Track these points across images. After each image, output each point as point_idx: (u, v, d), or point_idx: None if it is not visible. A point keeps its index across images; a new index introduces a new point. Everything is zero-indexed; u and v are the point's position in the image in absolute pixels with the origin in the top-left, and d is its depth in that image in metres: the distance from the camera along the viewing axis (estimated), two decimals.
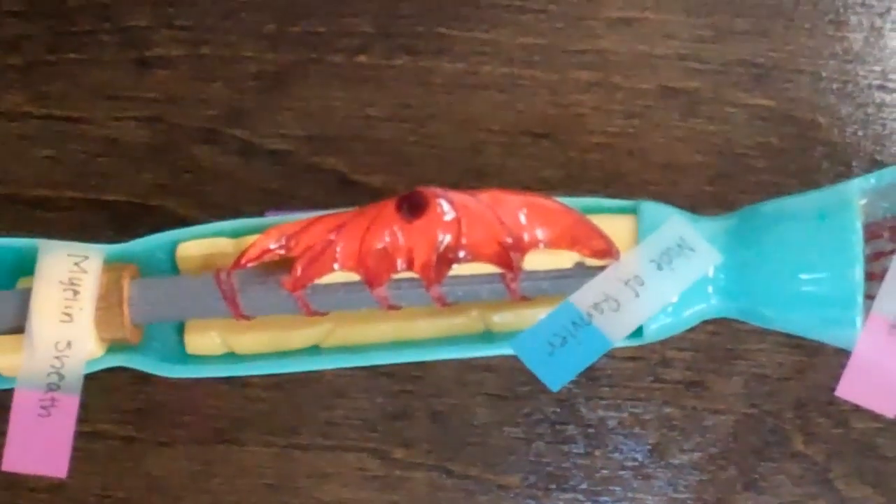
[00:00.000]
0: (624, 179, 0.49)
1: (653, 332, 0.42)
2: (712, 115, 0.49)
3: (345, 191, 0.49)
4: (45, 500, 0.48)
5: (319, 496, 0.48)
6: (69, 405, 0.41)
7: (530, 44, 0.50)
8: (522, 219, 0.41)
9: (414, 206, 0.41)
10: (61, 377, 0.41)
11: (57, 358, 0.41)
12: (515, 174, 0.49)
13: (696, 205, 0.44)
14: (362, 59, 0.50)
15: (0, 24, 0.50)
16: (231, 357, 0.44)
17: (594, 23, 0.50)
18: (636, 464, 0.47)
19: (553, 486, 0.47)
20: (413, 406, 0.48)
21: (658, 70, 0.49)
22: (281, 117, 0.50)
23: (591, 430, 0.47)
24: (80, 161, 0.50)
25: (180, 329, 0.44)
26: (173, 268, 0.44)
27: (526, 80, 0.50)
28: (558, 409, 0.48)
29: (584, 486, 0.47)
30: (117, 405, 0.48)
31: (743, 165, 0.49)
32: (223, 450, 0.48)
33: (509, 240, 0.41)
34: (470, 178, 0.48)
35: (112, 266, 0.43)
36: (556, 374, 0.39)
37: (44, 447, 0.41)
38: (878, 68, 0.49)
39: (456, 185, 0.41)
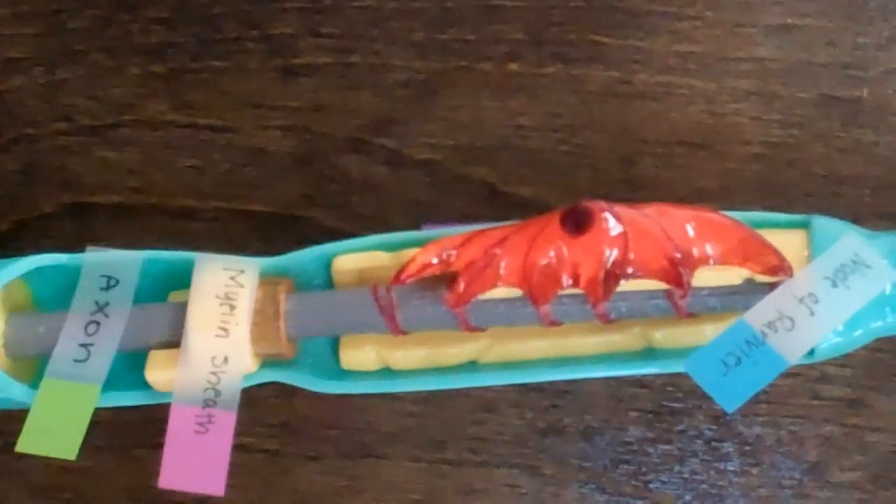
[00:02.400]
0: (783, 191, 0.49)
1: (824, 351, 0.42)
2: (875, 124, 0.49)
3: (494, 202, 0.50)
4: None
5: None
6: (226, 421, 0.42)
7: (686, 52, 0.50)
8: (691, 233, 0.41)
9: (579, 221, 0.41)
10: (218, 393, 0.42)
11: (213, 373, 0.42)
12: (671, 185, 0.49)
13: (857, 217, 0.44)
14: (513, 66, 0.50)
15: (144, 32, 0.51)
16: (387, 372, 0.44)
17: (752, 30, 0.50)
18: (794, 482, 0.47)
19: None
20: (563, 422, 0.48)
21: (819, 78, 0.49)
22: (430, 126, 0.50)
23: (747, 448, 0.47)
24: (225, 171, 0.50)
25: (333, 343, 0.45)
26: (327, 281, 0.45)
27: (682, 88, 0.50)
28: (714, 427, 0.48)
29: None
30: (262, 419, 0.48)
31: None
32: (370, 464, 0.48)
33: (678, 255, 0.41)
34: (623, 189, 0.48)
35: (267, 280, 0.43)
36: (732, 395, 0.40)
37: (201, 464, 0.41)
38: None
39: (609, 197, 0.41)
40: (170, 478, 0.41)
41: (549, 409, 0.48)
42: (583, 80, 0.50)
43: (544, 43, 0.50)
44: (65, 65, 0.51)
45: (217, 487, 0.41)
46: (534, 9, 0.50)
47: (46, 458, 0.44)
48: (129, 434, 0.48)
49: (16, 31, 0.51)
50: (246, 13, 0.51)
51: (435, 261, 0.42)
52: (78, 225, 0.50)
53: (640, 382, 0.48)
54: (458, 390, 0.48)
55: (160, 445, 0.46)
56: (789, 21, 0.49)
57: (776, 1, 0.49)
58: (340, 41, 0.51)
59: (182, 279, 0.44)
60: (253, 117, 0.50)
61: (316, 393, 0.44)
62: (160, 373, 0.43)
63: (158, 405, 0.43)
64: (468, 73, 0.50)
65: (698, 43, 0.50)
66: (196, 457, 0.41)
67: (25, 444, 0.41)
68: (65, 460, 0.44)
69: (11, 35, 0.51)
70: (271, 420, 0.48)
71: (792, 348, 0.40)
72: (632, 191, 0.48)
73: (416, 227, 0.45)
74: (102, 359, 0.42)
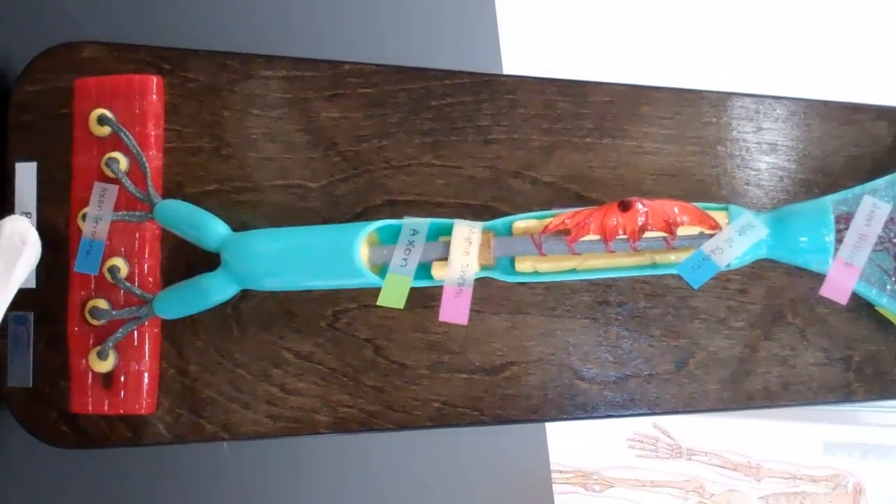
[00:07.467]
0: (698, 197, 0.53)
1: (735, 264, 0.47)
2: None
3: (579, 201, 0.53)
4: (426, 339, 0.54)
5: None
6: (468, 293, 0.48)
7: (663, 133, 0.53)
8: (676, 211, 0.46)
9: (626, 206, 0.47)
10: (464, 280, 0.48)
11: (462, 272, 0.48)
12: (657, 194, 0.53)
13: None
14: (588, 140, 0.54)
15: (421, 122, 0.53)
16: (536, 273, 0.50)
17: (698, 123, 0.54)
18: (716, 321, 0.52)
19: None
20: (609, 298, 0.53)
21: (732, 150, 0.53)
22: (549, 167, 0.54)
23: (688, 311, 0.53)
24: (457, 185, 0.54)
25: (511, 260, 0.50)
26: (508, 232, 0.50)
27: (663, 150, 0.53)
28: (677, 305, 0.53)
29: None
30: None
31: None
32: (521, 317, 0.53)
33: (671, 221, 0.46)
34: (637, 194, 0.52)
35: (484, 231, 0.49)
36: (697, 280, 0.45)
37: (457, 311, 0.47)
38: None
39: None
40: (446, 317, 0.47)
41: (602, 290, 0.53)
42: (616, 149, 0.53)
43: (604, 127, 0.54)
44: (385, 138, 0.54)
45: (464, 320, 0.47)
46: (597, 111, 0.54)
47: (367, 317, 0.49)
48: (412, 302, 0.51)
49: (363, 123, 0.54)
50: (466, 114, 0.54)
51: (559, 222, 0.47)
52: (390, 210, 0.54)
53: (643, 281, 0.52)
54: (564, 282, 0.52)
55: (430, 307, 0.51)
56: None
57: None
58: (508, 127, 0.54)
59: (445, 231, 0.49)
60: (470, 162, 0.54)
61: (501, 282, 0.49)
62: (439, 271, 0.49)
63: (431, 287, 0.49)
64: (568, 142, 0.54)
65: (671, 128, 0.53)
66: (455, 307, 0.47)
67: (383, 300, 0.47)
68: (381, 317, 0.50)
69: (363, 125, 0.54)
70: (476, 297, 0.52)
71: (722, 262, 0.46)
72: (641, 194, 0.50)
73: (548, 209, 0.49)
74: (413, 265, 0.48)
